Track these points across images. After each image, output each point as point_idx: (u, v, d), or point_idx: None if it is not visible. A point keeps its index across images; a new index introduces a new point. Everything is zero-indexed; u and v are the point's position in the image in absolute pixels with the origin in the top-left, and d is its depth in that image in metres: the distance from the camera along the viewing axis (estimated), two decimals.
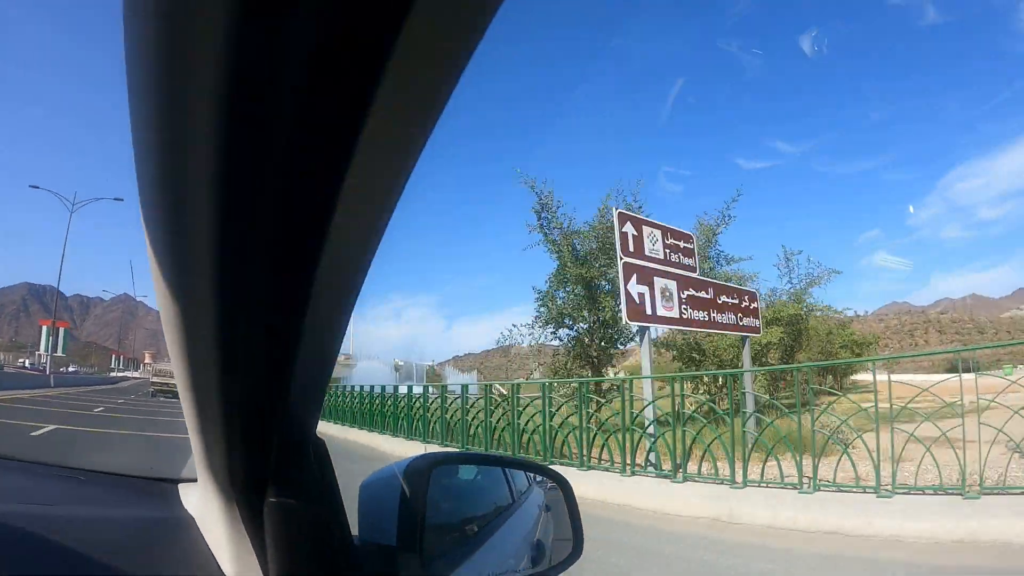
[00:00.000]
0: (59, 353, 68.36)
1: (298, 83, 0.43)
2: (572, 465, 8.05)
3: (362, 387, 16.41)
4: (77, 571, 0.70)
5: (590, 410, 8.52)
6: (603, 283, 15.45)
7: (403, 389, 14.54)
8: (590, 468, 7.93)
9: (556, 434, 8.72)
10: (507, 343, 18.39)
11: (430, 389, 13.35)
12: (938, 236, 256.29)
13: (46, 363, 58.83)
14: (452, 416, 11.36)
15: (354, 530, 0.85)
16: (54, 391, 28.77)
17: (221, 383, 0.63)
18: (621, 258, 8.59)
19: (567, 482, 1.18)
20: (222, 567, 0.78)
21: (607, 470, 7.76)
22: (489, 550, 1.10)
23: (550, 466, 1.29)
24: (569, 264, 15.17)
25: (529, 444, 9.14)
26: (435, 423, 11.86)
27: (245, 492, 0.75)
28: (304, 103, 0.45)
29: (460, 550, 1.03)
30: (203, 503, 0.82)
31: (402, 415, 13.27)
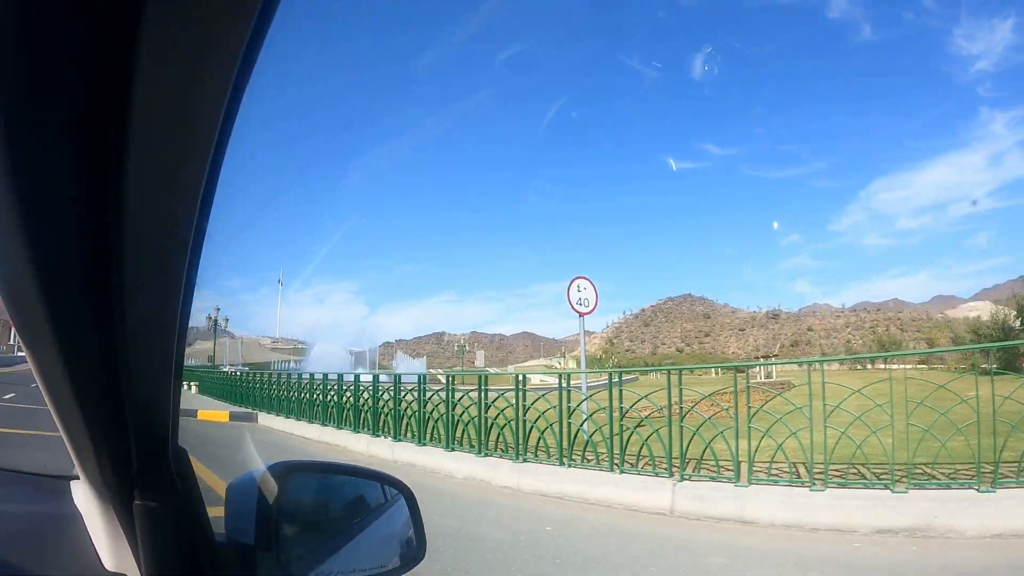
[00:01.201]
0: None
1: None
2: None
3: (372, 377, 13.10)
4: None
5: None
6: None
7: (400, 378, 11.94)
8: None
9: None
10: None
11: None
12: (859, 243, 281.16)
13: None
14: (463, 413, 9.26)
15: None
16: None
17: (71, 386, 0.70)
18: None
19: (410, 490, 1.31)
20: (103, 562, 0.87)
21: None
22: (355, 548, 1.21)
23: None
24: None
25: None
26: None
27: (117, 493, 0.84)
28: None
29: (323, 548, 1.15)
30: (86, 500, 0.90)
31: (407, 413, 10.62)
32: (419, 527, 1.27)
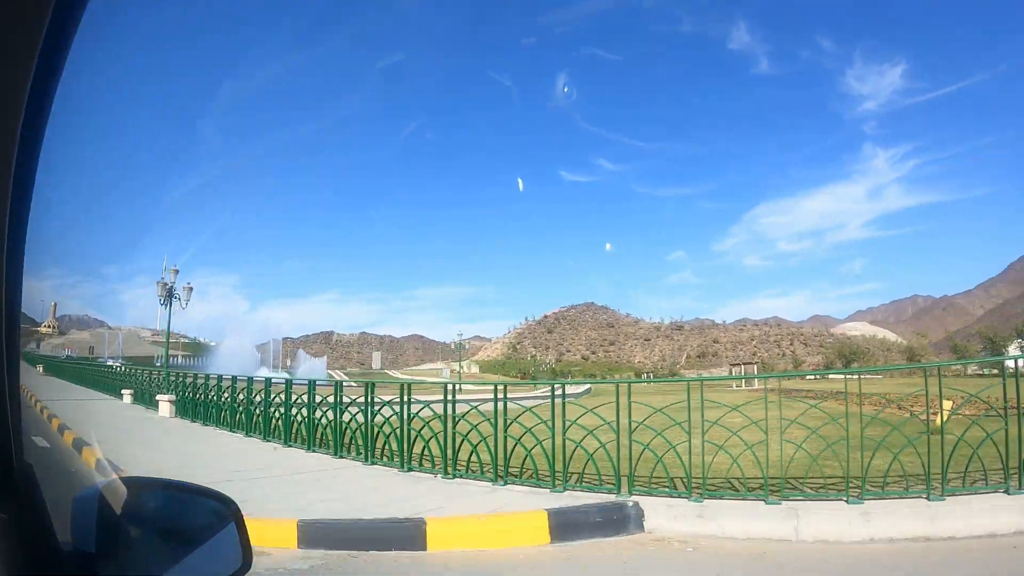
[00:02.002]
0: None
1: None
2: None
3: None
4: None
5: None
6: None
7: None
8: None
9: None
10: None
11: None
12: (741, 262, 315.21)
13: None
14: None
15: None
16: None
17: None
18: None
19: (236, 505, 1.36)
20: None
21: None
22: (193, 560, 1.27)
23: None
24: None
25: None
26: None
27: None
28: None
29: (164, 559, 1.23)
30: None
31: None
32: (245, 540, 1.33)
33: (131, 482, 1.23)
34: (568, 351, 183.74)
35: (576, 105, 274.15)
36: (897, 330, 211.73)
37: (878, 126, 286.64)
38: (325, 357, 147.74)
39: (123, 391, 21.45)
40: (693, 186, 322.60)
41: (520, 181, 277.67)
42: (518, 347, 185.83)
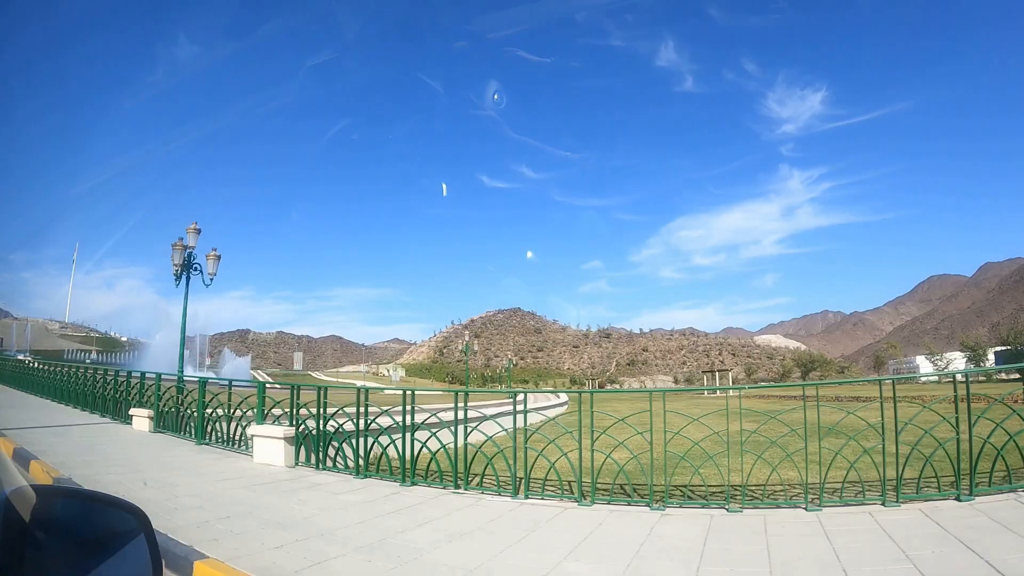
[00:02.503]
0: None
1: None
2: None
3: None
4: None
5: None
6: None
7: None
8: None
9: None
10: None
11: None
12: (656, 274, 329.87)
13: None
14: None
15: None
16: None
17: None
18: None
19: (145, 516, 1.37)
20: None
21: None
22: (113, 564, 1.28)
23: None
24: None
25: None
26: None
27: None
28: None
29: (81, 564, 1.23)
30: None
31: None
32: (154, 549, 1.34)
33: (40, 490, 1.22)
34: (496, 356, 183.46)
35: (501, 112, 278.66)
36: (809, 343, 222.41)
37: (795, 148, 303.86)
38: (249, 356, 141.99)
39: (132, 412, 13.43)
40: (612, 197, 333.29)
41: (444, 186, 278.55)
42: (444, 351, 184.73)
